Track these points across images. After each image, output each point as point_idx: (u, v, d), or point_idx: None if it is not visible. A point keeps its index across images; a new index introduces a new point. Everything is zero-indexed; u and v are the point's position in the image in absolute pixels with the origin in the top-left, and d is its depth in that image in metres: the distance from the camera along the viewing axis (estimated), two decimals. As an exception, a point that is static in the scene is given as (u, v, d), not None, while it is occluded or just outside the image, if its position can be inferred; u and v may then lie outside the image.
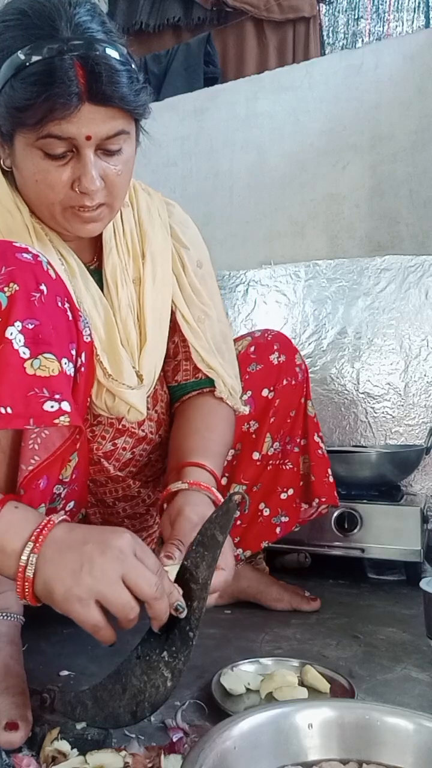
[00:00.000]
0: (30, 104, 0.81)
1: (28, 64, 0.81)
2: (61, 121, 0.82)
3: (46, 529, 0.72)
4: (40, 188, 0.89)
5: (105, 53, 0.82)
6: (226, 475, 1.20)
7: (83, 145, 0.85)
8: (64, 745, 0.75)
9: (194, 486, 0.92)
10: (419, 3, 3.25)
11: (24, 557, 0.70)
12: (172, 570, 0.78)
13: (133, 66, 0.86)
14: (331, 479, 1.32)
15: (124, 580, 0.69)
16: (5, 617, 0.98)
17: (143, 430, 1.09)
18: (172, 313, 1.10)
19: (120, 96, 0.84)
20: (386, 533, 1.46)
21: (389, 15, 3.30)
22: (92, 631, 0.70)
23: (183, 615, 0.73)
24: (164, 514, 0.92)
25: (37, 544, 0.70)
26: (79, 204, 0.90)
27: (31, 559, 0.70)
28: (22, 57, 0.81)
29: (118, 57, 0.83)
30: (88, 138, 0.85)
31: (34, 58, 0.81)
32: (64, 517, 0.76)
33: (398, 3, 3.28)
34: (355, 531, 1.47)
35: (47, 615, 1.06)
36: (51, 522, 0.73)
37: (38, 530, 0.71)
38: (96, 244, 1.05)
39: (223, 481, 1.19)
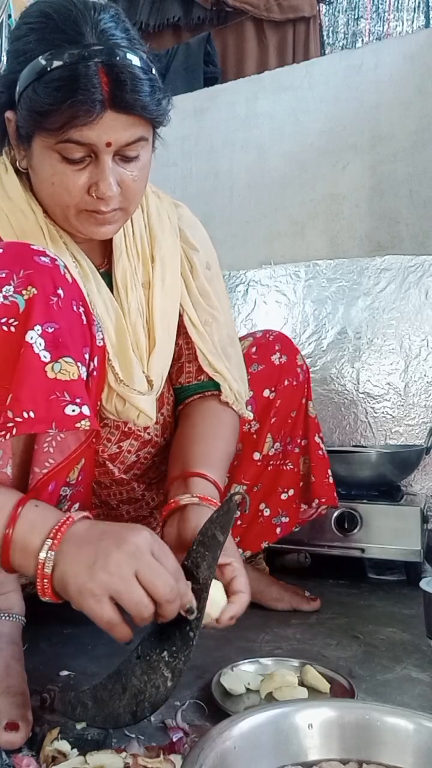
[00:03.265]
0: (53, 109, 0.81)
1: (49, 69, 0.81)
2: (83, 128, 0.82)
3: (65, 525, 0.72)
4: (56, 191, 0.89)
5: (129, 61, 0.82)
6: (227, 475, 1.20)
7: (102, 151, 0.85)
8: (64, 745, 0.75)
9: (204, 501, 0.91)
10: (419, 3, 3.24)
11: (42, 554, 0.70)
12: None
13: (155, 73, 0.86)
14: (331, 480, 1.32)
15: (139, 578, 0.68)
16: (7, 618, 0.98)
17: (149, 433, 1.09)
18: (180, 316, 1.10)
19: (142, 105, 0.84)
20: (386, 533, 1.46)
21: (389, 15, 3.30)
22: (107, 628, 0.70)
23: (192, 617, 0.73)
24: (169, 525, 0.91)
25: (56, 541, 0.71)
26: (94, 208, 0.90)
27: (49, 555, 0.70)
28: (43, 62, 0.81)
29: (141, 65, 0.83)
30: (108, 145, 0.85)
31: (56, 64, 0.81)
32: (85, 513, 0.75)
33: (398, 3, 3.28)
34: (355, 531, 1.47)
35: (48, 615, 1.06)
36: (70, 518, 0.73)
37: (57, 527, 0.72)
38: (106, 248, 1.05)
39: (225, 483, 1.19)
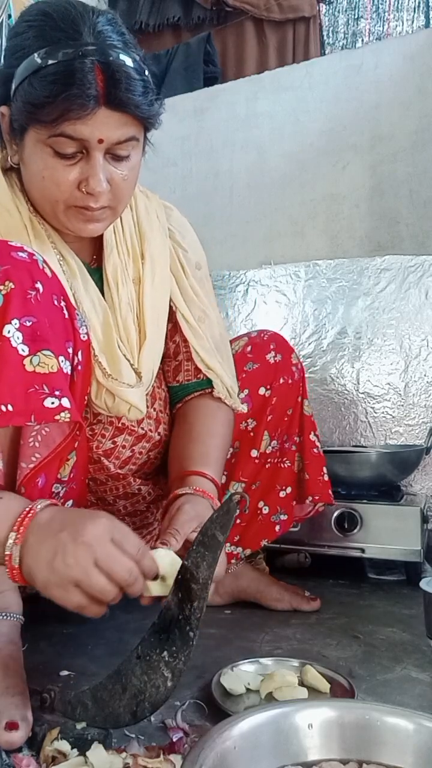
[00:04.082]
0: (48, 102, 0.83)
1: (46, 64, 0.83)
2: (76, 122, 0.84)
3: (27, 518, 0.73)
4: (46, 185, 0.90)
5: (123, 61, 0.84)
6: (225, 473, 1.21)
7: (94, 148, 0.87)
8: (64, 745, 0.75)
9: (198, 492, 0.94)
10: (419, 3, 3.24)
11: (8, 548, 0.72)
12: (165, 554, 0.79)
13: (148, 76, 0.88)
14: (326, 478, 1.32)
15: (98, 566, 0.70)
16: (5, 617, 0.98)
17: (142, 428, 1.09)
18: (173, 313, 1.11)
19: (135, 104, 0.86)
20: (386, 533, 1.46)
21: (389, 14, 3.30)
22: (77, 611, 0.72)
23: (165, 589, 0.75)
24: (166, 515, 0.93)
25: (19, 535, 0.72)
26: (83, 204, 0.91)
27: (14, 549, 0.72)
28: (39, 60, 0.83)
29: (135, 66, 0.85)
30: (100, 141, 0.87)
31: (53, 59, 0.82)
32: (49, 502, 0.76)
33: (398, 2, 3.28)
34: (355, 531, 1.47)
35: (48, 615, 1.06)
36: (33, 510, 0.74)
37: (20, 519, 0.73)
38: (96, 245, 1.06)
39: (222, 479, 1.20)
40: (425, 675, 1.03)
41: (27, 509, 0.74)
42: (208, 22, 3.32)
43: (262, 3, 3.21)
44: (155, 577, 0.76)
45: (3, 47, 2.49)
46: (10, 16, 2.45)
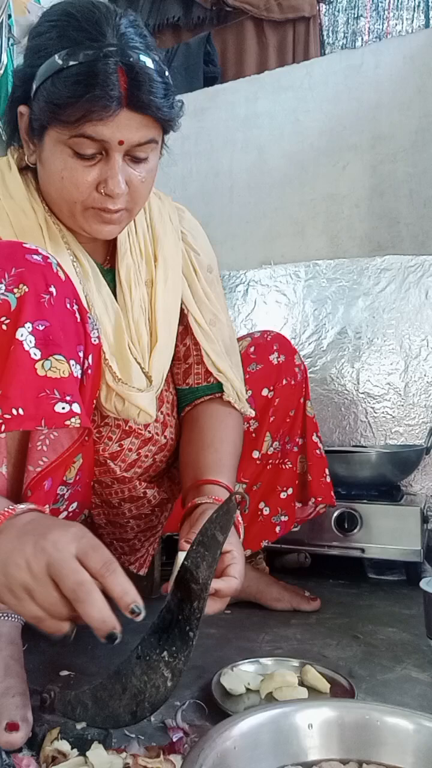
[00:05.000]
0: (71, 102, 0.83)
1: (69, 64, 0.83)
2: (98, 123, 0.84)
3: (2, 516, 0.69)
4: (65, 185, 0.90)
5: (145, 63, 0.84)
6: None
7: (114, 149, 0.87)
8: (64, 745, 0.75)
9: (217, 501, 0.92)
10: (419, 2, 3.24)
11: None
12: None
13: (168, 77, 0.89)
14: (328, 479, 1.32)
15: (49, 572, 0.64)
16: (5, 618, 0.98)
17: (149, 432, 1.09)
18: (183, 316, 1.11)
19: (157, 106, 0.86)
20: (386, 533, 1.46)
21: (389, 13, 3.30)
22: (34, 623, 0.67)
23: (139, 618, 0.65)
24: (186, 522, 0.91)
25: None
26: (100, 206, 0.91)
27: None
28: (64, 58, 0.83)
29: (157, 69, 0.86)
30: (121, 143, 0.87)
31: (77, 59, 0.82)
32: (34, 507, 0.73)
33: (398, 1, 3.28)
34: (355, 531, 1.47)
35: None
36: (12, 510, 0.70)
37: None
38: (109, 246, 1.06)
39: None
40: (425, 675, 1.03)
41: (7, 509, 0.70)
42: (208, 22, 3.32)
43: (262, 3, 3.21)
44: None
45: (2, 47, 2.49)
46: (10, 16, 2.45)
